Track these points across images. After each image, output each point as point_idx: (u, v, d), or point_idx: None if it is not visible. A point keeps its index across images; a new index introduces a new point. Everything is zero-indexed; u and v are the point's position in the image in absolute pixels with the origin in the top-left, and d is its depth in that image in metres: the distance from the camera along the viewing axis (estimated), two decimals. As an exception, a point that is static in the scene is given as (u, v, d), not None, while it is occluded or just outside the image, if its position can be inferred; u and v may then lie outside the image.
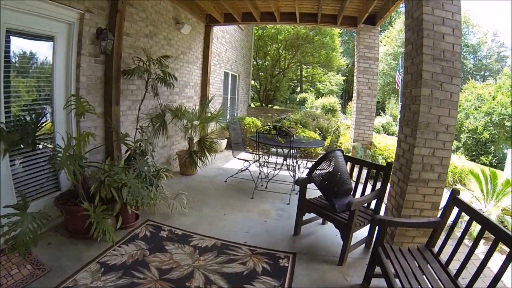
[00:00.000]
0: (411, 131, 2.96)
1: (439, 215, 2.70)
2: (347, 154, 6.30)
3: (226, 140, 8.42)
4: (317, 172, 3.09)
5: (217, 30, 8.56)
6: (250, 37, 14.21)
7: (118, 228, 3.21)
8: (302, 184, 3.33)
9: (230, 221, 3.87)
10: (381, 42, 27.57)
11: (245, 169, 5.49)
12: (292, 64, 20.73)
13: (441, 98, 2.81)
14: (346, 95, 40.56)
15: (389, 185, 3.26)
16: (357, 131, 6.52)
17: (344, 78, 34.16)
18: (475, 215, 2.20)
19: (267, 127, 5.25)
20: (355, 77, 6.66)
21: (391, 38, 29.43)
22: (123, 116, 4.41)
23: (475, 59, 37.32)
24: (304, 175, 3.47)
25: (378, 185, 3.24)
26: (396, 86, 18.85)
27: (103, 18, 3.84)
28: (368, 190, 3.46)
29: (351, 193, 3.16)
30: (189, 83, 6.70)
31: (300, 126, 9.64)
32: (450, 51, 2.80)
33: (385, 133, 19.88)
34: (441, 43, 2.79)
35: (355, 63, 6.67)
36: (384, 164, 3.26)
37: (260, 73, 19.04)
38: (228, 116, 10.64)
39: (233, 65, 10.95)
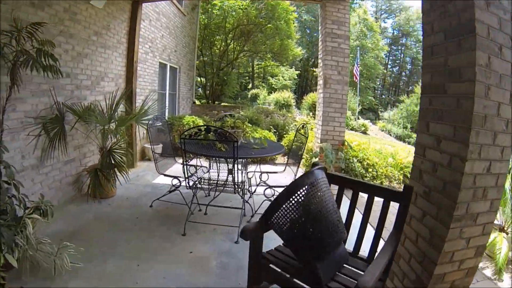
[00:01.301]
0: (454, 131, 1.76)
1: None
2: (313, 158, 5.25)
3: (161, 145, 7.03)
4: (281, 212, 1.82)
5: (149, 9, 7.10)
6: (194, 25, 12.77)
7: None
8: (252, 237, 1.96)
9: (145, 280, 2.60)
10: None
11: (173, 190, 4.15)
12: (242, 55, 19.41)
13: (501, 72, 1.68)
14: (299, 90, 40.53)
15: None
16: (325, 128, 5.53)
17: (297, 72, 33.84)
18: None
19: (196, 129, 3.40)
20: (320, 61, 5.65)
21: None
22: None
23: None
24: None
25: (388, 225, 2.06)
26: (354, 79, 18.52)
27: None
28: (368, 232, 2.19)
29: (344, 242, 2.06)
30: (107, 74, 5.23)
31: (249, 125, 8.51)
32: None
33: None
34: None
35: (320, 43, 5.65)
36: (398, 188, 2.17)
37: (205, 67, 17.54)
38: (167, 116, 9.22)
39: (172, 55, 9.49)
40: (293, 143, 4.58)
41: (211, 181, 3.98)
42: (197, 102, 16.93)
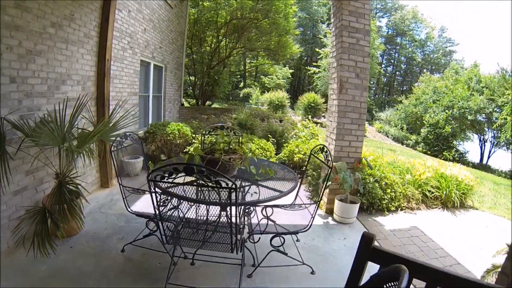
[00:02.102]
0: None
1: None
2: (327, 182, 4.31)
3: (142, 159, 6.05)
4: None
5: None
6: (183, 19, 11.71)
7: None
8: None
9: None
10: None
11: (149, 235, 3.17)
12: (234, 53, 18.27)
13: None
14: (292, 90, 39.68)
15: None
16: (339, 144, 4.63)
17: (291, 71, 32.95)
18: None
19: (171, 168, 2.05)
20: (334, 60, 4.72)
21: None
22: None
23: (423, 54, 38.82)
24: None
25: None
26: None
27: None
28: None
29: None
30: (70, 76, 4.22)
31: (246, 135, 7.53)
32: None
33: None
34: None
35: (334, 38, 4.71)
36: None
37: (195, 65, 16.42)
38: (149, 124, 8.21)
39: (157, 52, 8.47)
40: (307, 170, 3.59)
41: (198, 224, 3.00)
42: (186, 104, 15.90)
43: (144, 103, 7.83)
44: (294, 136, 8.71)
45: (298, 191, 3.27)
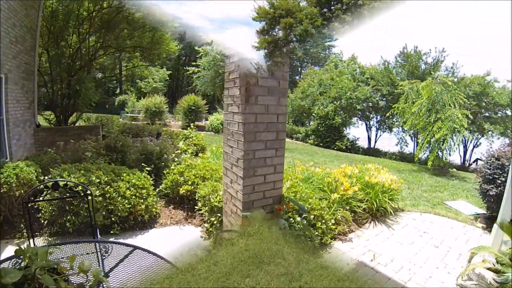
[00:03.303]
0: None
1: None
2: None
3: None
4: None
5: None
6: (35, 11, 8.60)
7: None
8: None
9: None
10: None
11: None
12: (102, 53, 14.90)
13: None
14: (171, 92, 37.33)
15: None
16: (249, 182, 3.29)
17: (169, 72, 30.55)
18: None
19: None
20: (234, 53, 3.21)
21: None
22: None
23: (303, 49, 40.85)
24: None
25: None
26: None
27: None
28: None
29: None
30: None
31: (113, 167, 5.39)
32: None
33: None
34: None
35: None
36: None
37: (53, 71, 12.70)
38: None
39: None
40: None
41: None
42: (45, 124, 12.47)
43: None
44: (176, 158, 7.05)
45: None
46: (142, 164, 6.14)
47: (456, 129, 10.20)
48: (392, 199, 5.69)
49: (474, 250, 4.00)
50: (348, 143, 19.49)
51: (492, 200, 5.53)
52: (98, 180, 4.64)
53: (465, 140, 18.42)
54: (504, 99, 16.01)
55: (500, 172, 5.41)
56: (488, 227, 5.42)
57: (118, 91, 28.94)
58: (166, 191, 5.79)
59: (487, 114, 16.91)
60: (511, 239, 3.70)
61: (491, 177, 5.55)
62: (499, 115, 16.87)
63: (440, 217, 5.96)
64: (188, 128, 11.87)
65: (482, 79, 16.54)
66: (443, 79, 11.88)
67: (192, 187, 5.37)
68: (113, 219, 4.56)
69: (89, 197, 3.06)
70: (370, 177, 5.82)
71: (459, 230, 5.40)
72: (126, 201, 4.69)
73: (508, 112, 16.79)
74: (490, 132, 16.83)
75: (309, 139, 20.56)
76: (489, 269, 3.61)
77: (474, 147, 19.01)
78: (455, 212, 6.23)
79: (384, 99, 20.16)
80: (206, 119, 22.25)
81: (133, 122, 17.18)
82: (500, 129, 16.30)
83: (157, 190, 5.72)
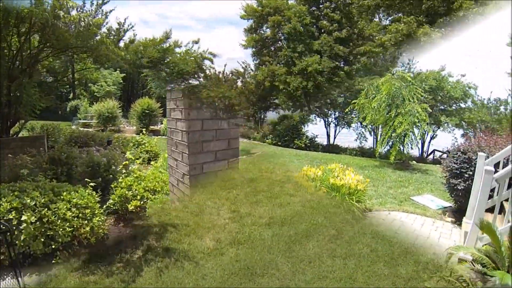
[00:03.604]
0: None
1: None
2: None
3: None
4: None
5: None
6: None
7: None
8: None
9: None
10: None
11: None
12: (43, 56, 13.56)
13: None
14: (126, 96, 35.77)
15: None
16: None
17: (123, 75, 29.15)
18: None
19: None
20: None
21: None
22: None
23: None
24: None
25: None
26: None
27: None
28: None
29: None
30: None
31: (53, 186, 4.66)
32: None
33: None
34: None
35: None
36: None
37: None
38: None
39: None
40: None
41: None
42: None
43: None
44: (125, 169, 6.43)
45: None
46: (86, 179, 5.49)
47: (417, 124, 10.32)
48: (359, 201, 5.47)
49: (452, 250, 3.82)
50: (307, 141, 19.44)
51: (460, 194, 5.48)
52: (33, 203, 3.99)
53: (425, 133, 19.13)
54: (458, 92, 16.67)
55: (468, 166, 5.36)
56: (457, 221, 5.37)
57: (71, 96, 27.27)
58: (115, 207, 5.20)
59: (442, 107, 17.54)
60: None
61: (458, 172, 5.50)
62: (454, 108, 17.61)
63: (408, 214, 5.82)
64: (140, 133, 11.18)
65: (437, 74, 17.15)
66: (402, 74, 12.03)
67: (142, 202, 4.84)
68: (53, 246, 3.93)
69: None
70: (335, 178, 5.57)
71: (430, 227, 5.28)
72: (68, 223, 4.06)
73: (462, 105, 17.65)
74: (446, 124, 17.48)
75: (266, 139, 20.33)
76: (472, 269, 3.47)
77: (431, 138, 19.68)
78: (423, 208, 6.12)
79: (342, 95, 20.35)
80: (161, 123, 21.36)
81: (84, 129, 16.06)
82: (455, 121, 16.98)
83: (104, 206, 5.10)
